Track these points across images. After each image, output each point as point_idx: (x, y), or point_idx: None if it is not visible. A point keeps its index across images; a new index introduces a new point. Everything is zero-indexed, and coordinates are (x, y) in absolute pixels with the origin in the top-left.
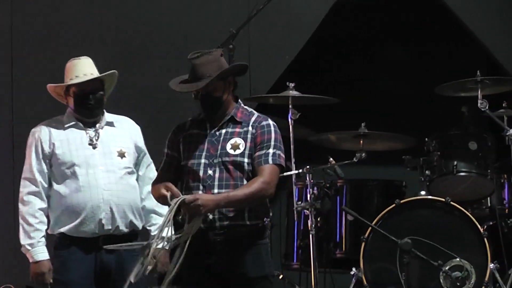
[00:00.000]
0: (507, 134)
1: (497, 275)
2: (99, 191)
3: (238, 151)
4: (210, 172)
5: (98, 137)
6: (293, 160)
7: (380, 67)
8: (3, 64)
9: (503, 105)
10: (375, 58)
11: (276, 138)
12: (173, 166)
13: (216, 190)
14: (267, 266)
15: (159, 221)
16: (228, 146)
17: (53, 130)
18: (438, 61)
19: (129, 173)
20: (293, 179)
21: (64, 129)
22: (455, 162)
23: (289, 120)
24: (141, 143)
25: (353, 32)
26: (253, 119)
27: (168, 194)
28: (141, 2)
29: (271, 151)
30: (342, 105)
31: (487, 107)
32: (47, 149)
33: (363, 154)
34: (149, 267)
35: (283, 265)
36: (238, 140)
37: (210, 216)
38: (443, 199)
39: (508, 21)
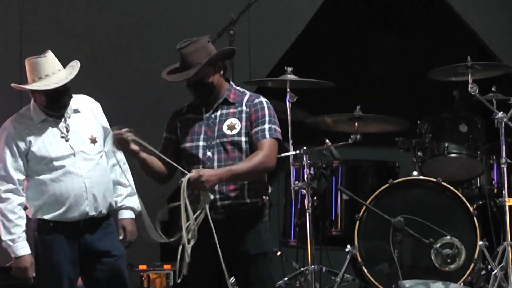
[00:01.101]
0: (496, 117)
1: (486, 252)
2: (81, 180)
3: (234, 131)
4: (209, 153)
5: (68, 129)
6: (290, 142)
7: (374, 53)
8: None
9: (493, 89)
10: (369, 43)
11: (270, 113)
12: (171, 148)
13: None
14: (266, 244)
15: (124, 191)
16: (225, 127)
17: (25, 127)
18: (430, 46)
19: (101, 156)
20: (291, 160)
21: (36, 125)
22: (446, 144)
23: (287, 103)
24: (105, 122)
25: (349, 18)
26: (245, 98)
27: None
28: None
29: (266, 126)
30: (338, 89)
31: (477, 91)
32: (22, 146)
33: (358, 136)
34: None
35: (281, 242)
36: (234, 120)
37: (211, 196)
38: (435, 179)
39: (497, 8)
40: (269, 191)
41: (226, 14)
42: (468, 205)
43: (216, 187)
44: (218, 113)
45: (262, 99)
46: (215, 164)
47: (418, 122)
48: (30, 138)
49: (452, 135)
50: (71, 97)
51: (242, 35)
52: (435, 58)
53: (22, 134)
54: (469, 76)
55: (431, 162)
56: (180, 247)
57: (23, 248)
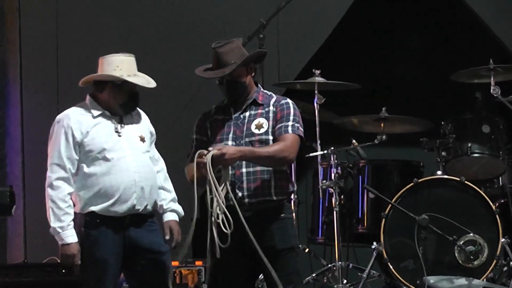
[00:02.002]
0: None
1: (508, 249)
2: (130, 174)
3: (262, 130)
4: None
5: (122, 126)
6: (318, 142)
7: (399, 55)
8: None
9: None
10: (394, 46)
11: (295, 113)
12: (203, 149)
13: (244, 169)
14: (293, 238)
15: (168, 196)
16: (253, 127)
17: (82, 118)
18: (453, 49)
19: (149, 156)
20: (319, 160)
21: (93, 117)
22: (469, 144)
23: (315, 104)
24: (152, 128)
25: (374, 22)
26: (273, 100)
27: (196, 155)
28: None
29: (290, 123)
30: (364, 91)
31: (499, 93)
32: (78, 136)
33: (384, 137)
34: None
35: (309, 239)
36: (261, 120)
37: (240, 194)
38: (458, 179)
39: None
40: (295, 188)
41: (256, 18)
42: (491, 203)
43: (244, 184)
44: (247, 113)
45: (289, 100)
46: (243, 162)
47: (442, 123)
48: (85, 129)
49: (474, 136)
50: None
51: (271, 38)
52: (458, 61)
53: (78, 125)
54: (491, 78)
55: (455, 161)
56: (209, 223)
57: (71, 236)
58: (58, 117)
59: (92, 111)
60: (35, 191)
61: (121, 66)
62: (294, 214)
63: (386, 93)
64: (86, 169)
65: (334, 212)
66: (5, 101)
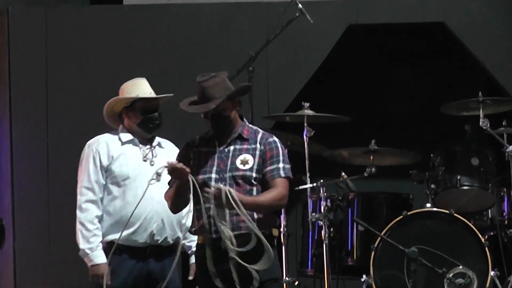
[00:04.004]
0: (507, 150)
1: (497, 281)
2: (153, 204)
3: (247, 166)
4: (220, 186)
5: (153, 155)
6: (308, 174)
7: (388, 88)
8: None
9: (503, 123)
10: (383, 79)
11: (283, 153)
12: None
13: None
14: (276, 270)
15: (195, 238)
16: (238, 162)
17: (110, 143)
18: (443, 82)
19: None
20: (308, 192)
21: (122, 144)
22: (459, 177)
23: (304, 137)
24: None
25: (364, 54)
26: (259, 136)
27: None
28: (164, 27)
29: (281, 165)
30: (354, 123)
31: (488, 125)
32: (105, 161)
33: (373, 169)
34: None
35: (299, 272)
36: (247, 156)
37: (222, 228)
38: (447, 211)
39: (507, 44)
40: (284, 222)
41: (245, 51)
42: (480, 236)
43: (227, 217)
44: (232, 147)
45: (275, 139)
46: None
47: (431, 155)
48: (113, 154)
49: (464, 168)
50: (161, 123)
51: (261, 71)
52: (447, 93)
53: (107, 150)
54: (481, 111)
55: (444, 194)
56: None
57: (100, 257)
58: (89, 141)
59: (121, 137)
60: (25, 224)
61: (130, 90)
62: (283, 247)
63: (376, 126)
64: (109, 195)
65: (324, 245)
66: None
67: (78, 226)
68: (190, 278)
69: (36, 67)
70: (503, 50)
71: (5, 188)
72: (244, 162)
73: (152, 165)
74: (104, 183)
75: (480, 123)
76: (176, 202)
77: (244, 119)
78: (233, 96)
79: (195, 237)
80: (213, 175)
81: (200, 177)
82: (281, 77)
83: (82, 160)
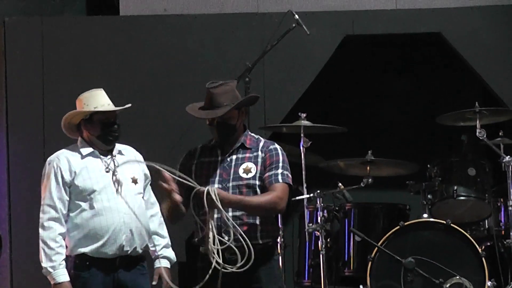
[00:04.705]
0: (503, 160)
1: None
2: (120, 215)
3: (250, 175)
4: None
5: (115, 165)
6: (304, 185)
7: (385, 98)
8: (35, 104)
9: (500, 133)
10: (380, 89)
11: (284, 160)
12: (184, 188)
13: (230, 213)
14: (279, 280)
15: (162, 242)
16: (241, 171)
17: (71, 159)
18: (439, 92)
19: (141, 198)
20: (305, 203)
21: (82, 157)
22: (455, 187)
23: (301, 148)
24: (147, 170)
25: (360, 64)
26: (261, 144)
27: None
28: (160, 37)
29: (280, 171)
30: (350, 134)
31: (485, 136)
32: (67, 177)
33: (370, 180)
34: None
35: (296, 282)
36: (250, 164)
37: (226, 237)
38: (444, 221)
39: (503, 55)
40: (280, 232)
41: (242, 61)
42: (477, 246)
43: (230, 228)
44: (234, 157)
45: (277, 146)
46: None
47: (428, 165)
48: (75, 169)
49: (460, 179)
50: (119, 134)
51: (257, 81)
52: (444, 103)
53: (68, 165)
54: (477, 121)
55: (441, 204)
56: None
57: (63, 275)
58: (49, 158)
59: (82, 151)
60: (22, 235)
61: (88, 101)
62: (280, 257)
63: (372, 136)
64: (76, 210)
65: (321, 255)
66: None
67: (41, 244)
68: (154, 283)
69: (32, 77)
70: (499, 60)
71: (1, 198)
72: (247, 171)
73: (116, 175)
74: (68, 199)
75: (477, 134)
76: (173, 214)
77: (247, 129)
78: (240, 106)
79: (161, 241)
80: (216, 185)
81: (203, 187)
82: (278, 87)
83: (44, 177)
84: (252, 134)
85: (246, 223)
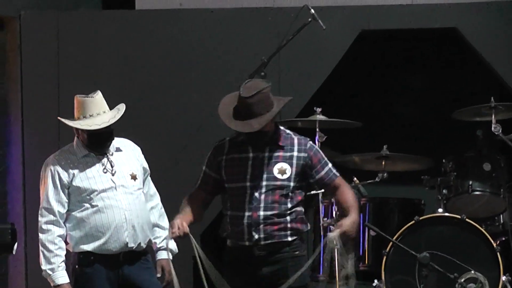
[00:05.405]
0: None
1: (509, 286)
2: (121, 212)
3: (285, 176)
4: (256, 194)
5: (111, 164)
6: None
7: (400, 93)
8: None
9: None
10: (395, 84)
11: (323, 154)
12: (210, 185)
13: (261, 213)
14: (307, 277)
15: (162, 234)
16: (275, 171)
17: (68, 160)
18: (455, 87)
19: (140, 193)
20: (320, 197)
21: (79, 159)
22: (470, 182)
23: (316, 142)
24: (145, 163)
25: (376, 59)
26: (295, 142)
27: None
28: (176, 32)
29: (330, 165)
30: (365, 129)
31: (500, 131)
32: (65, 179)
33: (385, 174)
34: None
35: (310, 277)
36: (285, 165)
37: (256, 236)
38: (459, 216)
39: None
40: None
41: (257, 56)
42: (492, 241)
43: (261, 227)
44: (266, 154)
45: (310, 141)
46: (262, 205)
47: (443, 160)
48: (73, 171)
49: (476, 174)
50: (113, 139)
51: (272, 76)
52: (459, 99)
53: (65, 167)
54: (493, 117)
55: (456, 199)
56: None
57: (62, 277)
58: (46, 160)
59: (77, 152)
60: (37, 229)
61: (79, 107)
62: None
63: (388, 131)
64: (77, 209)
65: (336, 250)
66: (6, 139)
67: (40, 247)
68: (158, 275)
69: (48, 71)
70: None
71: (16, 193)
72: (282, 172)
73: (113, 174)
74: (67, 200)
75: (492, 129)
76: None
77: (278, 124)
78: (277, 115)
79: (162, 233)
80: (248, 183)
81: (234, 185)
82: (293, 82)
83: (42, 180)
84: (283, 129)
85: (276, 222)
